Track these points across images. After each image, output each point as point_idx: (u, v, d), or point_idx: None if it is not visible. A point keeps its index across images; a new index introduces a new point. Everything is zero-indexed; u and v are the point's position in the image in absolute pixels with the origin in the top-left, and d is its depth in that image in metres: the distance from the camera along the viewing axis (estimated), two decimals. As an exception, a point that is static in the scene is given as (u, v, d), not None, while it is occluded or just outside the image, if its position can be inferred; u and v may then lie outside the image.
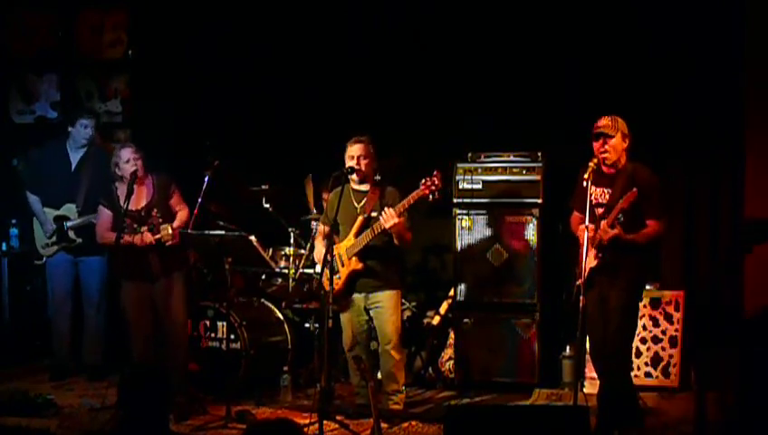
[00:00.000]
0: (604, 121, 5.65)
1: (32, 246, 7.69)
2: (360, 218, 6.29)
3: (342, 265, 6.31)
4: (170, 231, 6.41)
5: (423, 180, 6.05)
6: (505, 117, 7.52)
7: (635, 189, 5.45)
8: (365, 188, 6.39)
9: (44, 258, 7.60)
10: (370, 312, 6.35)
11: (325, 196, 6.82)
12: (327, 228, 6.38)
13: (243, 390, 6.74)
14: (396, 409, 6.29)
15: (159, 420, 3.92)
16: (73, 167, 7.55)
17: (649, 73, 7.16)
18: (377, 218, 6.21)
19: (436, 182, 6.01)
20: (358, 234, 6.28)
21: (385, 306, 6.29)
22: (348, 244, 6.31)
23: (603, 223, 5.55)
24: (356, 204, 6.36)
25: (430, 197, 6.07)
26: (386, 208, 6.09)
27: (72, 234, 7.47)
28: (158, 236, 6.43)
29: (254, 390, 6.80)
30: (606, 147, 5.60)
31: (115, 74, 8.68)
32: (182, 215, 6.64)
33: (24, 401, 6.51)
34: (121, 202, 6.43)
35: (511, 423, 3.98)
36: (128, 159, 6.49)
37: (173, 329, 6.55)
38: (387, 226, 6.06)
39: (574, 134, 6.16)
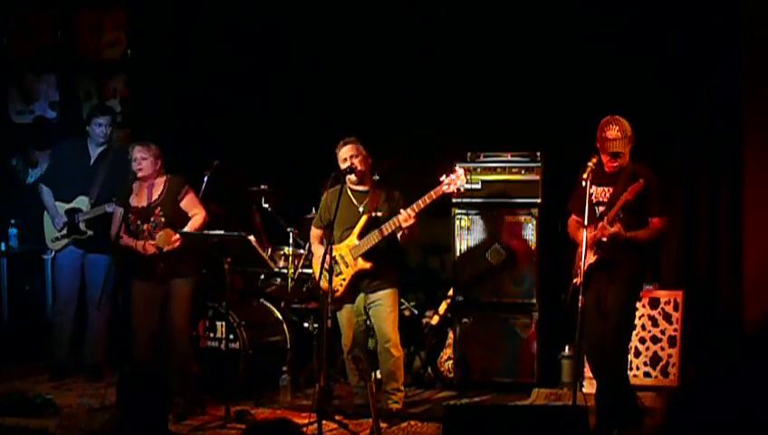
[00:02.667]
0: (613, 134, 5.52)
1: (40, 239, 7.65)
2: (365, 218, 6.28)
3: (347, 266, 6.29)
4: (164, 238, 6.40)
5: (445, 176, 6.07)
6: (505, 117, 7.52)
7: (642, 180, 5.42)
8: (364, 187, 6.39)
9: (53, 252, 7.59)
10: (369, 311, 6.35)
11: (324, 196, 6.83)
12: (320, 232, 6.40)
13: (242, 390, 6.74)
14: (395, 407, 6.30)
15: (158, 421, 3.91)
16: (92, 161, 7.55)
17: (648, 73, 7.15)
18: (383, 218, 6.22)
19: (461, 176, 6.04)
20: (362, 234, 6.28)
21: (383, 305, 6.29)
22: (351, 244, 6.29)
23: (604, 220, 5.54)
24: (357, 203, 6.35)
25: (455, 193, 6.12)
26: (402, 210, 6.10)
27: (83, 226, 7.45)
28: (154, 244, 6.43)
29: (252, 390, 6.80)
30: (619, 161, 5.57)
31: (114, 74, 8.68)
32: (194, 221, 6.59)
33: (23, 401, 6.51)
34: (130, 199, 6.51)
35: (510, 423, 3.97)
36: (135, 158, 6.53)
37: (173, 332, 6.54)
38: (405, 225, 6.07)
39: (573, 134, 6.17)
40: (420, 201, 6.11)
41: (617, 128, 5.55)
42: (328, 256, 6.02)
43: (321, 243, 6.44)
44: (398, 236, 6.21)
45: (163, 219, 6.52)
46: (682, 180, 7.23)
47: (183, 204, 6.61)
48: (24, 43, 8.81)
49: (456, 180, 6.08)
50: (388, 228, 6.18)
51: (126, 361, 6.59)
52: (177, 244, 6.44)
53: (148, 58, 8.49)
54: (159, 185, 6.61)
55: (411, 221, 6.08)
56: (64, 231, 7.46)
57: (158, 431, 3.89)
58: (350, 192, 6.37)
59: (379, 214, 6.28)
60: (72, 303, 7.57)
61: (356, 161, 6.28)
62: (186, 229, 6.51)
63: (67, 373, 7.53)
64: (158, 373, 4.14)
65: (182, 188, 6.64)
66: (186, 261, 6.56)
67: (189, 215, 6.61)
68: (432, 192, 6.10)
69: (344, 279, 6.29)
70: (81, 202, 7.45)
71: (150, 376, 4.00)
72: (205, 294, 7.13)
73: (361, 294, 6.34)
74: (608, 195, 5.65)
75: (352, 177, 6.29)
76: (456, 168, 6.17)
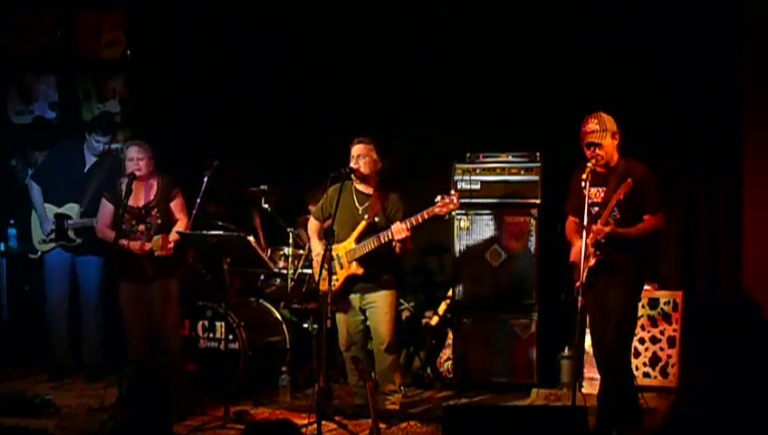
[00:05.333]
0: (591, 127, 5.59)
1: (28, 239, 7.67)
2: (364, 223, 6.26)
3: (341, 268, 6.29)
4: (161, 243, 6.42)
5: (440, 198, 6.05)
6: (504, 117, 7.52)
7: (629, 180, 5.44)
8: (368, 190, 6.37)
9: (39, 253, 7.59)
10: (366, 312, 6.35)
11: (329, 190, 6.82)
12: (319, 224, 6.42)
13: (241, 390, 6.73)
14: (392, 409, 6.29)
15: (162, 422, 3.91)
16: (87, 168, 7.54)
17: (649, 73, 7.15)
18: (381, 225, 6.21)
19: (455, 201, 6.03)
20: (359, 239, 6.26)
21: (380, 307, 6.29)
22: (348, 247, 6.29)
23: (599, 222, 5.54)
24: (358, 205, 6.34)
25: (446, 216, 6.11)
26: (397, 223, 6.09)
27: (71, 233, 7.45)
28: (149, 246, 6.44)
29: (252, 390, 6.80)
30: (597, 153, 5.59)
31: (113, 74, 8.68)
32: (180, 225, 6.62)
33: (23, 401, 6.50)
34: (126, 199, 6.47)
35: (509, 423, 3.97)
36: (131, 158, 6.51)
37: (165, 332, 6.57)
38: (398, 238, 6.07)
39: (573, 134, 6.14)
40: (413, 218, 6.09)
41: (595, 121, 5.60)
42: (326, 257, 6.00)
43: (320, 237, 6.44)
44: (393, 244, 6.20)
45: (159, 221, 6.54)
46: (682, 180, 7.23)
47: (172, 205, 6.64)
48: (24, 44, 8.81)
49: (448, 205, 6.05)
50: (384, 237, 6.17)
51: (125, 361, 6.56)
52: (171, 251, 6.47)
53: (147, 58, 8.50)
54: (153, 185, 6.62)
55: (403, 235, 6.07)
56: (52, 236, 7.46)
57: (162, 432, 3.89)
58: (353, 191, 6.36)
59: (377, 220, 6.27)
60: (64, 301, 7.58)
61: (361, 162, 6.27)
62: (171, 236, 6.53)
63: (66, 373, 7.54)
64: (163, 375, 4.14)
65: (174, 190, 6.67)
66: (172, 259, 6.57)
67: (174, 217, 6.63)
68: (425, 212, 6.07)
69: (337, 280, 6.28)
70: (72, 209, 7.44)
71: (155, 378, 4.00)
72: (200, 293, 7.14)
73: (359, 295, 6.34)
74: (601, 195, 5.66)
75: (353, 176, 6.29)
76: (452, 192, 6.14)
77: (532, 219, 7.04)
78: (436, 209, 6.07)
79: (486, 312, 7.14)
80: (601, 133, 5.56)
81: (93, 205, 7.21)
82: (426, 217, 6.09)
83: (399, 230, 6.06)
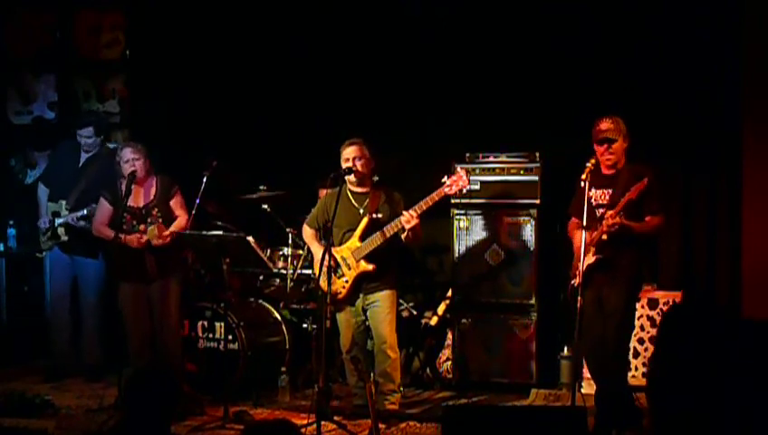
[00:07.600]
0: (607, 125, 5.63)
1: (31, 239, 7.69)
2: (366, 220, 6.25)
3: (349, 269, 6.28)
4: (156, 232, 6.43)
5: (447, 177, 6.05)
6: (503, 117, 7.52)
7: (645, 179, 5.46)
8: (364, 190, 6.37)
9: (44, 252, 7.62)
10: (367, 312, 6.34)
11: (321, 193, 6.83)
12: (314, 231, 6.42)
13: (240, 390, 6.73)
14: (392, 409, 6.29)
15: (162, 423, 3.90)
16: (80, 164, 7.55)
17: (648, 73, 7.16)
18: (383, 219, 6.21)
19: (464, 178, 6.03)
20: (363, 236, 6.26)
21: (381, 306, 6.28)
22: (353, 246, 6.28)
23: (609, 213, 5.55)
24: (357, 205, 6.34)
25: (457, 195, 6.10)
26: (404, 212, 6.08)
27: (60, 230, 7.44)
28: (146, 237, 6.46)
29: (251, 390, 6.79)
30: (610, 150, 5.61)
31: (112, 75, 8.68)
32: (180, 221, 6.65)
33: (22, 401, 6.50)
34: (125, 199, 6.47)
35: (508, 424, 3.96)
36: (127, 159, 6.52)
37: (166, 331, 6.59)
38: (408, 226, 6.06)
39: (572, 135, 6.17)
40: (422, 202, 6.09)
41: (610, 120, 5.69)
42: (327, 257, 6.00)
43: (319, 241, 6.44)
44: (403, 237, 6.19)
45: (160, 220, 6.56)
46: (681, 181, 7.24)
47: (171, 203, 6.65)
48: (23, 44, 8.80)
49: (458, 181, 6.06)
50: (389, 230, 6.16)
51: (125, 362, 6.57)
52: (168, 240, 6.47)
53: (146, 58, 8.49)
54: (152, 185, 6.64)
55: (414, 222, 6.06)
56: (48, 233, 7.48)
57: (161, 433, 3.88)
58: (349, 194, 6.36)
59: (380, 215, 6.27)
60: (65, 299, 7.58)
61: (358, 164, 6.27)
62: (171, 228, 6.56)
63: (64, 374, 7.53)
64: (167, 375, 4.13)
65: (172, 188, 6.70)
66: (172, 258, 6.58)
67: (174, 215, 6.64)
68: (434, 194, 6.08)
69: (347, 281, 6.28)
70: (61, 206, 7.46)
71: (158, 378, 3.99)
72: (200, 293, 7.14)
73: (360, 295, 6.34)
74: (607, 197, 5.67)
75: (351, 178, 6.28)
76: (458, 169, 6.15)
77: (531, 219, 7.04)
78: (446, 189, 6.07)
79: (486, 312, 7.14)
80: (615, 131, 5.61)
81: (80, 202, 7.23)
82: (435, 198, 6.08)
83: (408, 219, 6.05)
